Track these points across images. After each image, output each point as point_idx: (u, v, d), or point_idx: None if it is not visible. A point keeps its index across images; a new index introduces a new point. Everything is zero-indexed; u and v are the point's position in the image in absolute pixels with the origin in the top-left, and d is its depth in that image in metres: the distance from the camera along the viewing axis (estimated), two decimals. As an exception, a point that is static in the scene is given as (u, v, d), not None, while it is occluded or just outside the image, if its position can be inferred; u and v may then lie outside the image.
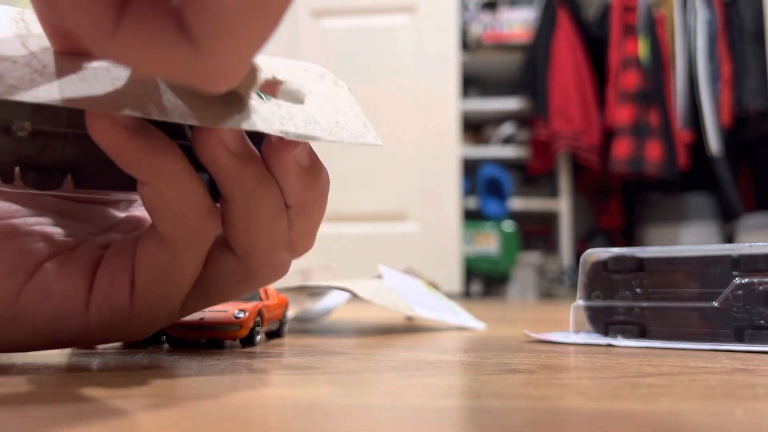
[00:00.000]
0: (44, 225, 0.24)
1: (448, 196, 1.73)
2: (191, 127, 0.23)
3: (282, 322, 0.39)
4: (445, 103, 1.75)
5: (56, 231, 0.24)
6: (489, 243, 1.93)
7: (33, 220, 0.24)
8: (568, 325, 0.36)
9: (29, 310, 0.23)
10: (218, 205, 0.24)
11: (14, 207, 0.24)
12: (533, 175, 2.17)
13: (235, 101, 0.21)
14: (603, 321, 0.35)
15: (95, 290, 0.23)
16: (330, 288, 0.48)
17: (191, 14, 0.15)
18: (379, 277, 0.50)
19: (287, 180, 0.23)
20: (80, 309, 0.23)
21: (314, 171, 0.24)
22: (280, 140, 0.23)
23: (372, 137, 0.24)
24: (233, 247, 0.24)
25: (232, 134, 0.22)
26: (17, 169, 0.22)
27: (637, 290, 0.34)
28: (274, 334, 0.38)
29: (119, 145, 0.20)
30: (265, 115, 0.22)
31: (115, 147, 0.20)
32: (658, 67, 1.88)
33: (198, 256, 0.23)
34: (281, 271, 0.25)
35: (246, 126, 0.21)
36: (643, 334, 0.34)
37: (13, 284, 0.22)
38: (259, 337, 0.33)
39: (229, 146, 0.22)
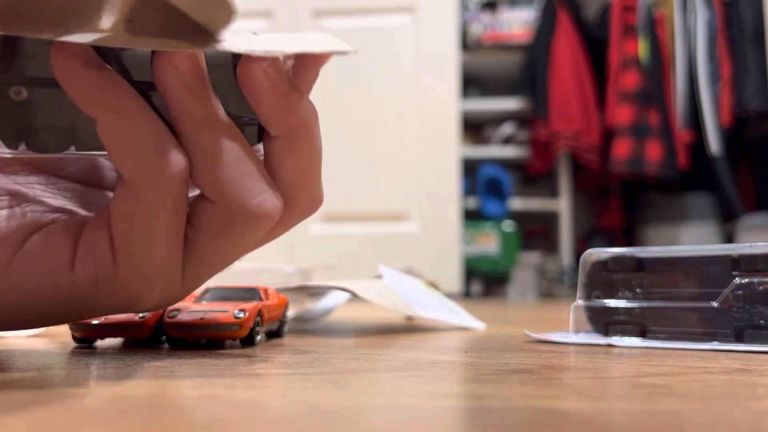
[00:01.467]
0: (44, 199, 0.24)
1: (448, 196, 1.73)
2: None
3: (282, 322, 0.39)
4: (445, 103, 1.75)
5: (55, 206, 0.25)
6: (489, 243, 1.93)
7: (31, 197, 0.24)
8: (568, 325, 0.36)
9: (21, 274, 0.23)
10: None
11: (17, 187, 0.24)
12: (533, 175, 2.17)
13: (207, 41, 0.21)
14: (603, 321, 0.35)
15: (79, 248, 0.24)
16: (330, 288, 0.48)
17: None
18: (379, 277, 0.50)
19: (263, 100, 0.23)
20: (66, 268, 0.23)
21: (293, 93, 0.23)
22: (248, 57, 0.22)
23: (347, 47, 0.23)
24: (200, 188, 0.23)
25: (187, 61, 0.22)
26: (20, 134, 0.22)
27: (637, 290, 0.34)
28: (274, 334, 0.38)
29: (71, 77, 0.21)
30: (231, 42, 0.21)
31: (68, 79, 0.21)
32: (658, 67, 1.88)
33: (166, 199, 0.22)
34: (263, 215, 0.24)
35: (207, 49, 0.21)
36: (643, 334, 0.34)
37: (6, 249, 0.23)
38: (259, 337, 0.33)
39: (181, 72, 0.22)
